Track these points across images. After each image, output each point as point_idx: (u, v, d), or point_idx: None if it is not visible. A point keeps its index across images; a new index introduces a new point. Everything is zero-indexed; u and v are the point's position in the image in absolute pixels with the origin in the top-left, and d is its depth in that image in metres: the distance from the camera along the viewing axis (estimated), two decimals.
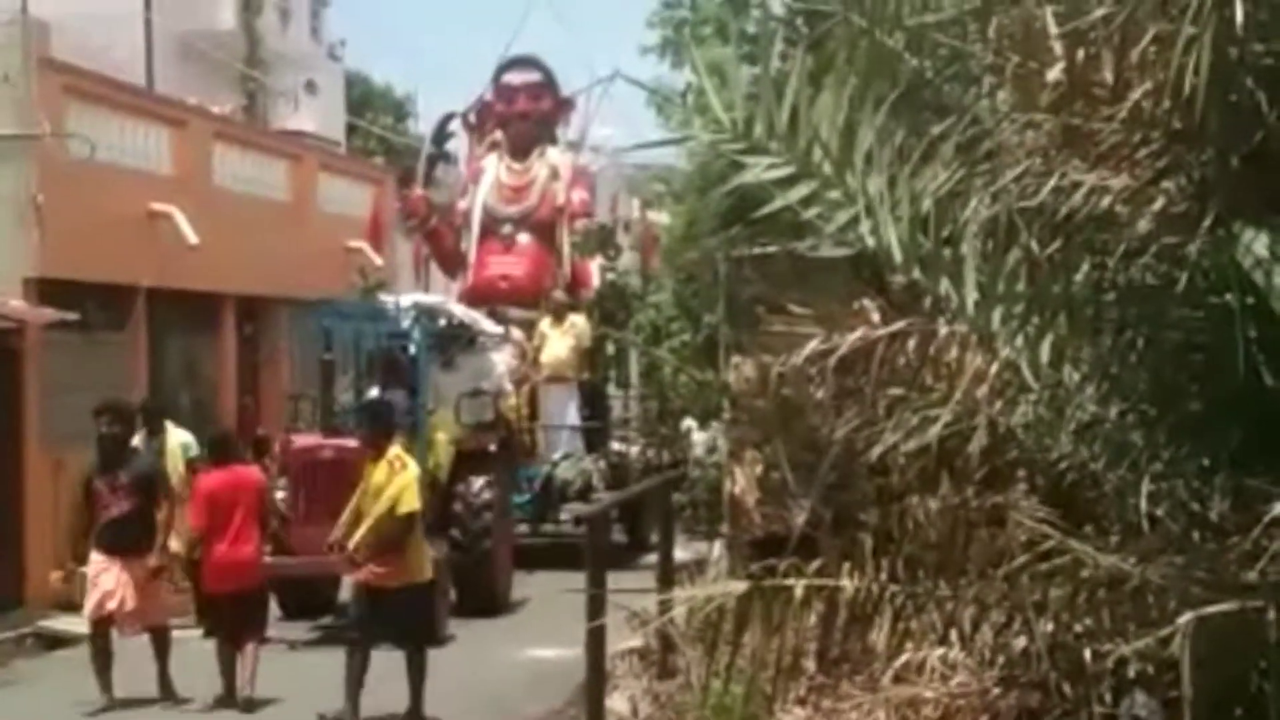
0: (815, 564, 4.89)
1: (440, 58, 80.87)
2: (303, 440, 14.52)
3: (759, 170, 4.34)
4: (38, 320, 15.59)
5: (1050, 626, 4.74)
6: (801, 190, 4.26)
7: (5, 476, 15.52)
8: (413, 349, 15.78)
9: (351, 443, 12.54)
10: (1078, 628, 4.68)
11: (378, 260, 21.38)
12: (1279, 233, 4.18)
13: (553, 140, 21.43)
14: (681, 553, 12.06)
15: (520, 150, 21.08)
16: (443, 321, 16.76)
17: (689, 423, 20.41)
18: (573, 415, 19.25)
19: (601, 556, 8.40)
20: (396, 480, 10.62)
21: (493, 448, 15.83)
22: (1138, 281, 4.48)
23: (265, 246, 20.38)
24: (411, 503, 10.66)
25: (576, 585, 8.14)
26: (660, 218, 26.68)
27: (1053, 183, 4.45)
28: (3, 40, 16.29)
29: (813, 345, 4.85)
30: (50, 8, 18.93)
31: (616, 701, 8.85)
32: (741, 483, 10.14)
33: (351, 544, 10.53)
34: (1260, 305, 4.16)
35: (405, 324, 16.05)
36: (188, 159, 19.48)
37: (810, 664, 5.41)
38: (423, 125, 21.66)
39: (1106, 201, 4.45)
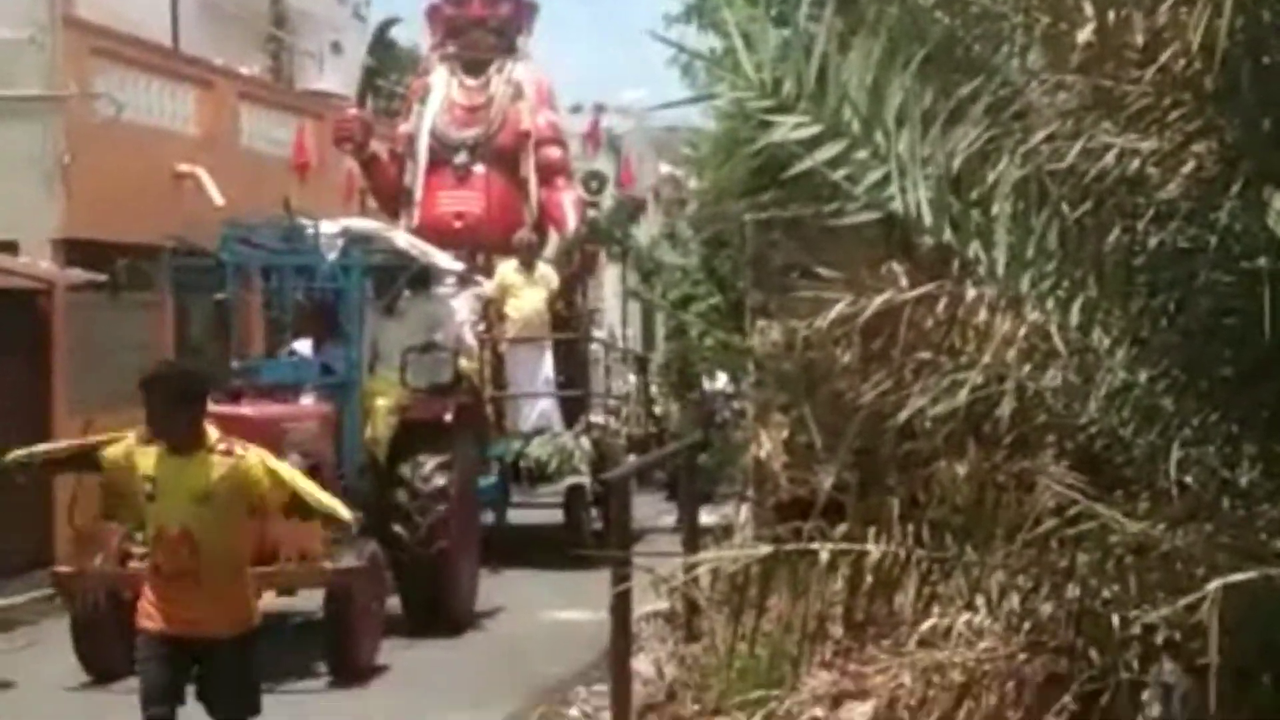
0: (841, 528, 4.88)
1: None
2: None
3: (787, 129, 4.30)
4: (66, 281, 15.64)
5: (1078, 592, 4.72)
6: (830, 150, 4.22)
7: (34, 437, 15.57)
8: (343, 288, 12.44)
9: (245, 410, 10.38)
10: (1105, 594, 4.66)
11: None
12: None
13: (513, 51, 18.25)
14: (707, 518, 12.05)
15: (476, 64, 17.88)
16: (382, 254, 13.19)
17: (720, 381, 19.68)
18: (546, 381, 16.28)
19: (625, 521, 8.39)
20: (254, 472, 6.56)
21: (448, 417, 12.48)
22: (1169, 245, 4.44)
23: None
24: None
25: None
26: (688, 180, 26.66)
27: (1082, 144, 4.40)
28: (29, 1, 16.31)
29: (839, 308, 4.82)
30: None
31: (641, 664, 8.86)
32: (767, 446, 10.12)
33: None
34: None
35: (332, 255, 12.51)
36: (213, 119, 19.48)
37: (836, 628, 5.40)
38: None
39: (1137, 164, 4.41)
